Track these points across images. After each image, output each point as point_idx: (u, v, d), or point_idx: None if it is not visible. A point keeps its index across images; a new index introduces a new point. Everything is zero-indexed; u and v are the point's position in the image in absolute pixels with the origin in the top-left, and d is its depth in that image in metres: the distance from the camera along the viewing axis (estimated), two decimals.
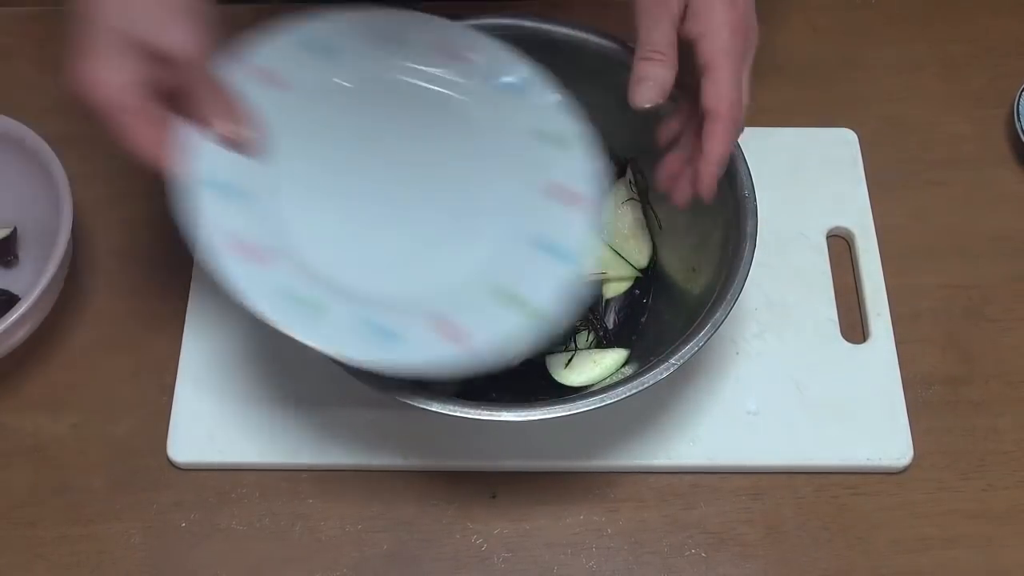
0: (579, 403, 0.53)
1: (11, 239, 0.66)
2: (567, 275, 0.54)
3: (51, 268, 0.59)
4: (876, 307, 0.66)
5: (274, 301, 0.50)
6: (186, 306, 0.65)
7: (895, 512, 0.61)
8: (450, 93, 0.59)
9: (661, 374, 0.53)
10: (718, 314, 0.55)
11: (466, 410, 0.52)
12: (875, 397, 0.63)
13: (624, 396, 0.53)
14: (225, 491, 0.61)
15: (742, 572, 0.59)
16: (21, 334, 0.61)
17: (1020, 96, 0.73)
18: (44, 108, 0.71)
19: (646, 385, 0.53)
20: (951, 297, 0.67)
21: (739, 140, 0.60)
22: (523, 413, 0.53)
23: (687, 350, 0.54)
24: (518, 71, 0.60)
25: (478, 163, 0.58)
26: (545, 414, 0.53)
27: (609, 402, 0.53)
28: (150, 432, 0.62)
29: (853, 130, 0.72)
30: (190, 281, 0.66)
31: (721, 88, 0.52)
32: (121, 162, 0.71)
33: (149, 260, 0.67)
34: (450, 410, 0.52)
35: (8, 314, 0.59)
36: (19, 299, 0.61)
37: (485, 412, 0.52)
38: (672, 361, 0.54)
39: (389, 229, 0.56)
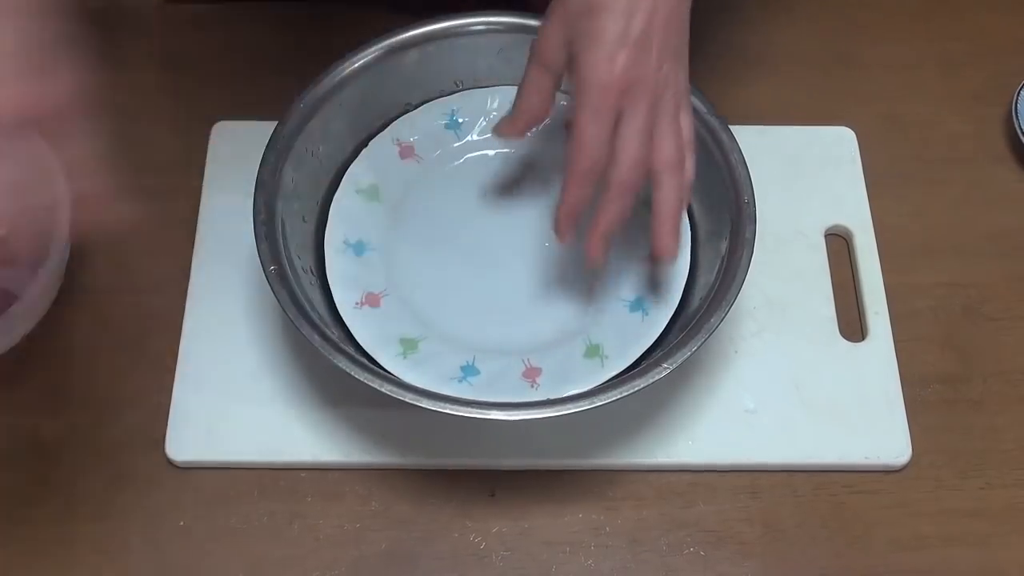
0: (572, 404, 0.53)
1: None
2: (648, 333, 0.58)
3: (49, 266, 0.59)
4: (874, 306, 0.66)
5: (383, 341, 0.58)
6: (184, 305, 0.65)
7: (893, 510, 0.61)
8: (560, 157, 0.62)
9: (654, 377, 0.54)
10: (712, 320, 0.55)
11: (457, 407, 0.53)
12: (873, 396, 0.63)
13: (617, 398, 0.53)
14: (223, 490, 0.60)
15: (740, 570, 0.59)
16: (19, 333, 0.61)
17: (1018, 94, 0.73)
18: None
19: (638, 388, 0.54)
20: (950, 296, 0.68)
21: (736, 139, 0.60)
22: (516, 413, 0.53)
23: (680, 354, 0.54)
24: None
25: (580, 224, 0.59)
26: (539, 414, 0.53)
27: (600, 403, 0.53)
28: (148, 431, 0.62)
29: (851, 128, 0.73)
30: (189, 280, 0.66)
31: (578, 145, 0.51)
32: (120, 160, 0.71)
33: (147, 258, 0.67)
34: (439, 407, 0.53)
35: (6, 313, 0.58)
36: (17, 297, 0.61)
37: (477, 411, 0.53)
38: (665, 365, 0.54)
39: (494, 280, 0.62)
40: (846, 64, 0.77)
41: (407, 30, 0.64)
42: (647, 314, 0.59)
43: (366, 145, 0.64)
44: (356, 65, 0.63)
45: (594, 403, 0.53)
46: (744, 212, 0.58)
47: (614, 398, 0.53)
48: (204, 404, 0.62)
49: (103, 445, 0.62)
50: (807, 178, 0.71)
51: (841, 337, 0.65)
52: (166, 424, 0.61)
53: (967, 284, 0.68)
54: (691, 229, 0.62)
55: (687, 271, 0.60)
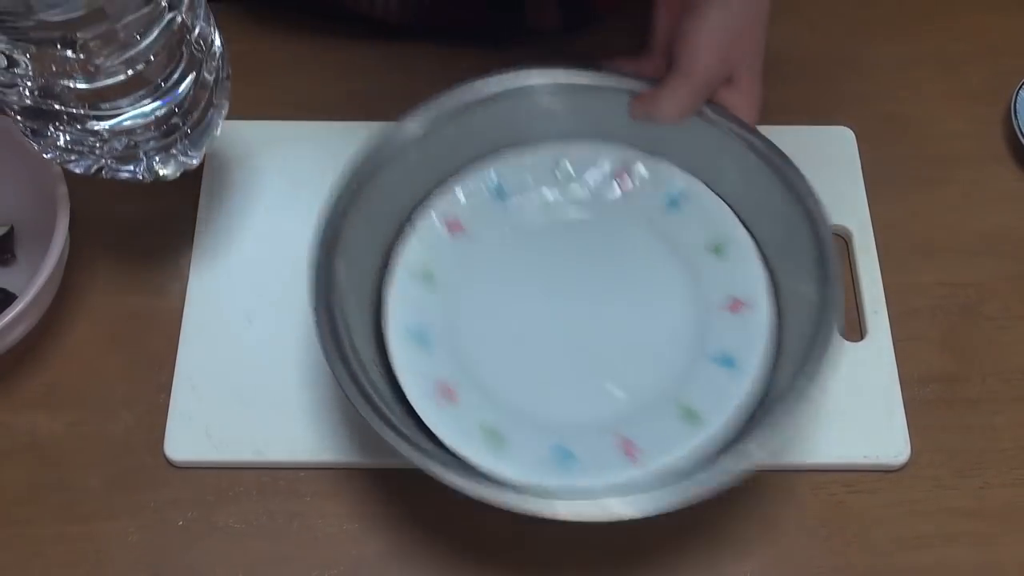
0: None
1: (8, 237, 0.66)
2: (741, 386, 0.56)
3: (48, 266, 0.59)
4: (873, 305, 0.66)
5: (465, 434, 0.55)
6: (183, 304, 0.65)
7: (892, 510, 0.61)
8: (612, 217, 0.63)
9: (710, 481, 0.51)
10: (774, 420, 0.52)
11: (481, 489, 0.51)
12: (872, 395, 0.63)
13: (674, 505, 0.50)
14: (222, 489, 0.61)
15: (739, 569, 0.59)
16: (18, 332, 0.61)
17: (1017, 94, 0.73)
18: None
19: (691, 498, 0.50)
20: (949, 295, 0.68)
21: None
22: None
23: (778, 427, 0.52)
24: (676, 183, 0.63)
25: (648, 283, 0.59)
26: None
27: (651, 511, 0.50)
28: (147, 430, 0.62)
29: (850, 128, 0.73)
30: (187, 279, 0.66)
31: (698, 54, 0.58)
32: None
33: (146, 258, 0.67)
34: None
35: (5, 312, 0.58)
36: (16, 297, 0.61)
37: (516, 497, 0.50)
38: (723, 472, 0.51)
39: (568, 354, 0.59)
40: (846, 64, 0.77)
41: (446, 102, 0.61)
42: (734, 367, 0.57)
43: (410, 221, 0.62)
44: (397, 143, 0.61)
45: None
46: (828, 300, 0.55)
47: (672, 504, 0.50)
48: (203, 404, 0.62)
49: (102, 445, 0.62)
50: None
51: (840, 337, 0.65)
52: (165, 424, 0.61)
53: (966, 284, 0.68)
54: (770, 275, 0.60)
55: (771, 318, 0.59)
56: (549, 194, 0.64)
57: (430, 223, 0.62)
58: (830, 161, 0.71)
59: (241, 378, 0.63)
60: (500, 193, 0.64)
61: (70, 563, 0.59)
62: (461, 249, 0.62)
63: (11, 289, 0.65)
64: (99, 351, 0.65)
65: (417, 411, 0.55)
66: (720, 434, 0.55)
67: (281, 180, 0.70)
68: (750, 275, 0.60)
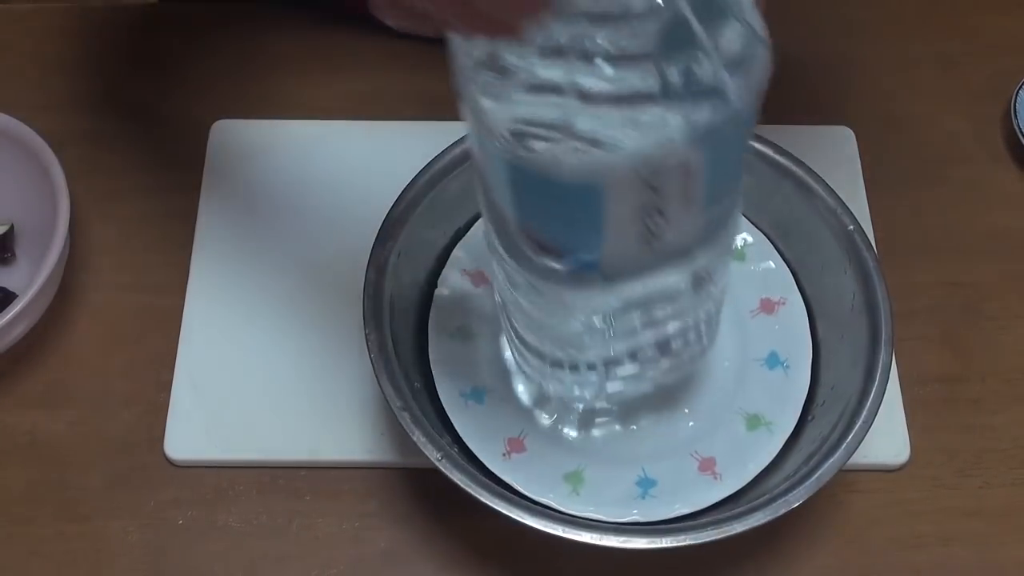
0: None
1: (8, 236, 0.66)
2: (797, 384, 0.58)
3: (48, 265, 0.59)
4: None
5: (542, 486, 0.54)
6: (183, 303, 0.65)
7: (891, 509, 0.61)
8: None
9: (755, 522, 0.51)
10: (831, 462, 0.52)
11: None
12: None
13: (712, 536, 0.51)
14: (222, 488, 0.60)
15: (738, 569, 0.59)
16: (18, 331, 0.61)
17: (1017, 94, 0.73)
18: (41, 105, 0.71)
19: (729, 534, 0.51)
20: (948, 295, 0.68)
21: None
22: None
23: (783, 502, 0.51)
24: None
25: None
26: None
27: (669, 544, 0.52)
28: (147, 429, 0.62)
29: (850, 128, 0.73)
30: (187, 278, 0.66)
31: None
32: (119, 159, 0.71)
33: (146, 257, 0.67)
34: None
35: (5, 311, 0.59)
36: (16, 296, 0.61)
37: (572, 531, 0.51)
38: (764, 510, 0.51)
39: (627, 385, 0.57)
40: (846, 64, 0.77)
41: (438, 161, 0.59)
42: (788, 368, 0.58)
43: (435, 284, 0.60)
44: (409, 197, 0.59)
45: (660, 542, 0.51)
46: (878, 349, 0.56)
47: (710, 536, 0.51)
48: (203, 403, 0.62)
49: (102, 444, 0.62)
50: None
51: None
52: (165, 422, 0.61)
53: (966, 283, 0.68)
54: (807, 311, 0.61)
55: (804, 310, 0.60)
56: None
57: (453, 277, 0.61)
58: (830, 161, 0.71)
59: (241, 378, 0.63)
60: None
61: (70, 562, 0.59)
62: (490, 299, 0.60)
63: (11, 288, 0.65)
64: (99, 350, 0.65)
65: (493, 471, 0.55)
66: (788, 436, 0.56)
67: (281, 180, 0.70)
68: (775, 274, 0.61)
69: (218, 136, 0.71)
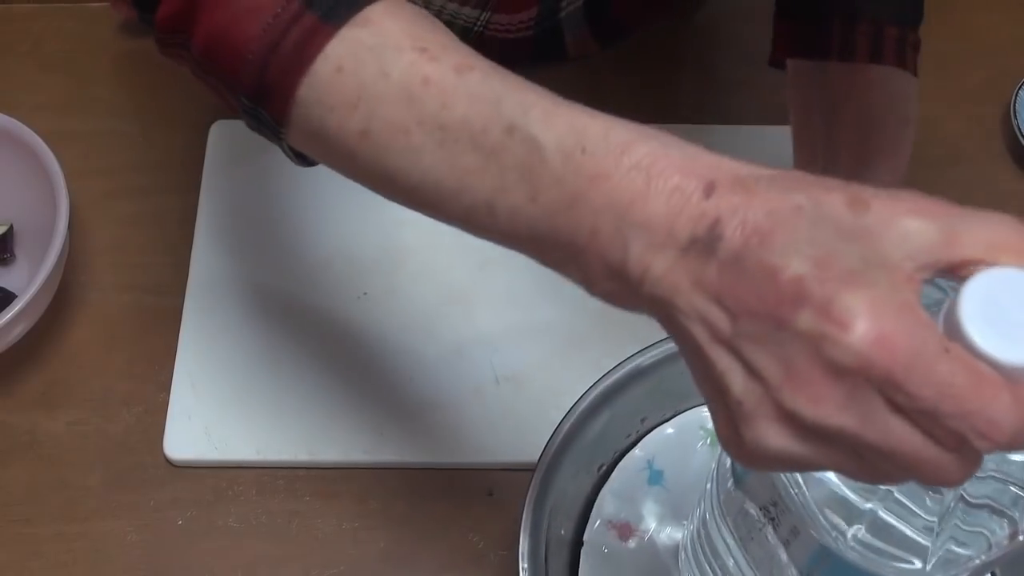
0: None
1: (8, 236, 0.66)
2: None
3: (47, 265, 0.59)
4: None
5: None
6: (183, 303, 0.65)
7: None
8: None
9: None
10: None
11: None
12: None
13: None
14: (222, 489, 0.60)
15: None
16: (17, 331, 0.61)
17: (1017, 94, 0.73)
18: (41, 105, 0.71)
19: None
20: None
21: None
22: None
23: None
24: None
25: None
26: None
27: None
28: (147, 430, 0.62)
29: None
30: (187, 278, 0.66)
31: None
32: (119, 159, 0.71)
33: (146, 257, 0.67)
34: None
35: (4, 312, 0.59)
36: (15, 296, 0.61)
37: None
38: None
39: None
40: None
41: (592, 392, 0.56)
42: None
43: (580, 543, 0.56)
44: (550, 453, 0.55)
45: None
46: None
47: None
48: (202, 403, 0.62)
49: (101, 444, 0.62)
50: None
51: None
52: (164, 423, 0.61)
53: None
54: None
55: None
56: None
57: (600, 533, 0.57)
58: None
59: (241, 378, 0.63)
60: (658, 478, 0.58)
61: (69, 562, 0.59)
62: (638, 556, 0.56)
63: (11, 288, 0.65)
64: (99, 350, 0.65)
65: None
66: None
67: (281, 179, 0.70)
68: None
69: (217, 136, 0.71)
